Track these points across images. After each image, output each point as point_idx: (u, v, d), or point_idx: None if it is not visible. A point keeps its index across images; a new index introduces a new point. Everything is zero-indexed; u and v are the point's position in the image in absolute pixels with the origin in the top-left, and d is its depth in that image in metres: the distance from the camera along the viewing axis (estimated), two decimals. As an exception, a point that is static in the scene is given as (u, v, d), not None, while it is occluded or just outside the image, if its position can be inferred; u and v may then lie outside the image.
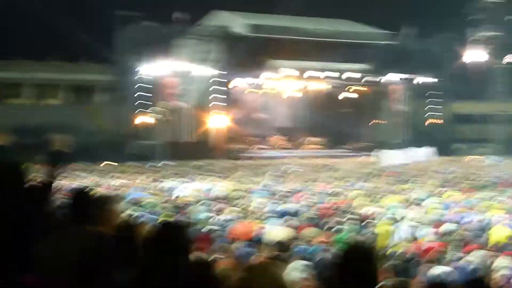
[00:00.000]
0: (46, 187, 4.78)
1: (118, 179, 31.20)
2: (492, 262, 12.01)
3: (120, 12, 50.24)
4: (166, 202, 21.76)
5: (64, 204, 4.57)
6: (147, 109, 51.32)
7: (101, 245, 3.58)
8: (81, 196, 4.34)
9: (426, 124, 65.57)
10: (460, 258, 12.87)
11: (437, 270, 11.29)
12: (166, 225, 3.81)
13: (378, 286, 3.07)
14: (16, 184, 4.43)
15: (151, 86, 51.47)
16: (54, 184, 4.89)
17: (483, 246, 13.87)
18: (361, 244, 3.22)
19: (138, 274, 3.18)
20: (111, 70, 54.54)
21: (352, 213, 19.12)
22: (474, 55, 56.00)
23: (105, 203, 4.28)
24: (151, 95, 51.54)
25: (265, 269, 3.09)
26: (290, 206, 21.49)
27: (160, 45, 51.35)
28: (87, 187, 5.51)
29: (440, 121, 66.05)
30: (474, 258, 12.28)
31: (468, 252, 13.24)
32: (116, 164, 43.01)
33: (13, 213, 4.24)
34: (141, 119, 51.11)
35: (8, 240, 4.07)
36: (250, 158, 51.19)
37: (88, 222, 4.06)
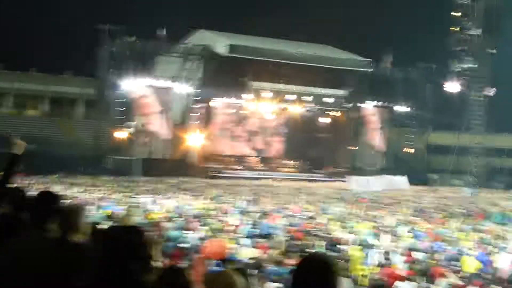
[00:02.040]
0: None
1: (93, 193, 32.55)
2: None
3: (103, 26, 51.48)
4: (139, 217, 22.64)
5: (27, 208, 4.39)
6: (126, 124, 52.61)
7: (61, 251, 3.58)
8: (45, 201, 4.24)
9: (401, 153, 67.67)
10: (428, 286, 14.23)
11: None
12: (115, 229, 3.66)
13: None
14: None
15: (131, 102, 52.94)
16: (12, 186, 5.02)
17: (451, 276, 15.03)
18: (317, 256, 3.23)
19: (93, 279, 3.00)
20: (93, 84, 56.28)
21: (324, 237, 20.04)
22: (452, 86, 57.04)
23: (71, 212, 4.08)
24: (130, 110, 52.92)
25: (224, 277, 3.15)
26: (263, 227, 22.39)
27: (142, 61, 53.46)
28: (52, 192, 5.27)
29: (415, 150, 68.24)
30: (441, 285, 13.75)
31: (436, 280, 14.48)
32: (92, 177, 43.63)
33: None
34: (119, 134, 52.06)
35: None
36: (226, 177, 52.65)
37: (50, 229, 3.97)
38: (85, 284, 2.96)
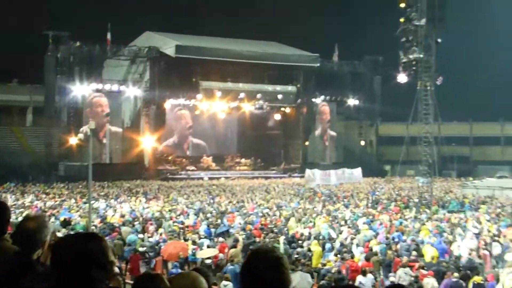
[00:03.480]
0: None
1: (47, 201, 33.33)
2: (418, 280, 14.56)
3: (48, 32, 51.73)
4: (98, 223, 24.01)
5: None
6: (77, 130, 51.60)
7: (16, 261, 3.46)
8: None
9: (352, 145, 69.60)
10: (387, 276, 15.35)
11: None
12: (72, 237, 3.23)
13: None
14: None
15: (80, 107, 53.40)
16: None
17: (410, 265, 16.06)
18: (263, 250, 2.92)
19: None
20: (41, 91, 56.18)
21: (282, 233, 21.65)
22: (402, 77, 56.40)
23: (32, 223, 3.75)
24: (80, 115, 53.17)
25: (188, 278, 3.19)
26: (223, 224, 24.16)
27: (89, 65, 53.93)
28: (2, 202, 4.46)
29: (366, 142, 70.45)
30: (402, 276, 14.82)
31: (396, 270, 15.60)
32: (44, 185, 44.24)
33: None
34: (71, 140, 51.38)
35: None
36: (181, 179, 53.76)
37: (4, 238, 3.75)
38: None
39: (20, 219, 5.34)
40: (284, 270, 2.61)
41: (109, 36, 54.54)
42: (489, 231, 22.79)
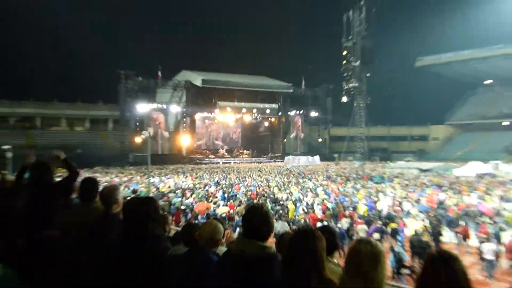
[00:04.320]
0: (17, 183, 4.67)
1: (122, 177, 33.70)
2: (355, 226, 14.31)
3: (120, 71, 53.47)
4: (154, 191, 23.68)
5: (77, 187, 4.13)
6: (140, 133, 51.43)
7: (100, 218, 3.48)
8: (88, 182, 3.97)
9: (314, 142, 70.81)
10: (336, 223, 14.95)
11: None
12: (135, 199, 3.23)
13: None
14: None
15: (142, 118, 54.65)
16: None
17: (350, 215, 15.98)
18: (256, 204, 2.89)
19: (125, 236, 2.89)
20: (117, 108, 57.98)
21: (270, 197, 21.36)
22: (344, 98, 56.91)
23: (108, 189, 3.71)
24: (142, 123, 54.29)
25: (210, 224, 3.16)
26: (232, 192, 23.85)
27: (147, 92, 54.94)
28: (93, 177, 4.45)
29: (322, 140, 72.10)
30: (344, 223, 14.41)
31: (341, 219, 15.30)
32: (120, 168, 45.25)
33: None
34: (137, 139, 51.72)
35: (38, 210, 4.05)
36: (205, 163, 54.54)
37: (93, 202, 3.81)
38: (119, 238, 2.87)
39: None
40: (270, 220, 2.71)
41: (159, 73, 55.76)
42: (400, 195, 23.06)
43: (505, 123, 66.79)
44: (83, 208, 3.79)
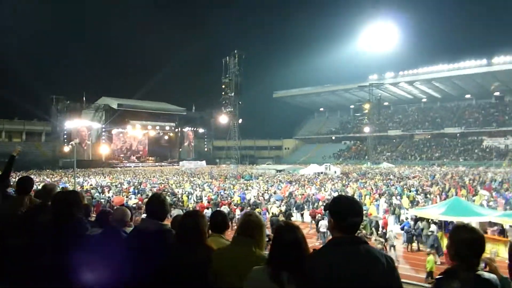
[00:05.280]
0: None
1: (53, 178, 34.63)
2: (233, 211, 15.61)
3: (52, 96, 59.97)
4: (79, 188, 24.39)
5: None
6: (68, 144, 58.36)
7: (37, 206, 3.46)
8: (26, 179, 3.94)
9: (202, 150, 79.03)
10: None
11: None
12: (63, 191, 3.41)
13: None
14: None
15: (69, 132, 60.56)
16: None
17: (228, 204, 17.27)
18: (156, 194, 2.95)
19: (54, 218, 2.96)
20: (50, 124, 63.68)
21: (169, 191, 22.99)
22: (223, 119, 64.46)
23: (51, 185, 3.84)
24: (70, 136, 59.45)
25: (120, 208, 3.26)
26: (141, 188, 25.26)
27: (75, 112, 60.43)
28: (28, 175, 4.70)
29: (209, 149, 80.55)
30: (224, 209, 14.80)
31: (221, 207, 16.35)
32: (52, 171, 48.25)
33: None
34: (66, 149, 58.57)
35: None
36: (120, 166, 60.64)
37: (27, 195, 3.81)
38: (51, 221, 2.91)
39: (39, 187, 4.82)
40: (165, 205, 2.86)
41: (84, 98, 62.97)
42: (263, 188, 24.03)
43: (333, 137, 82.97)
44: (19, 199, 3.83)
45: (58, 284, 2.86)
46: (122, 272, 2.70)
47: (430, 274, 10.14)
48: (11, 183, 4.70)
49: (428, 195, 22.35)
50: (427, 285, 9.32)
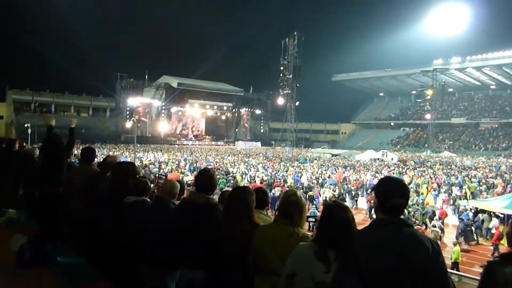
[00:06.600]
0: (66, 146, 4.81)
1: (115, 152, 35.23)
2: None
3: (117, 74, 61.55)
4: (138, 163, 23.98)
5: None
6: (130, 120, 56.68)
7: (96, 174, 3.81)
8: (89, 149, 4.31)
9: (258, 131, 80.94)
10: (270, 190, 15.86)
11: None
12: (123, 163, 3.75)
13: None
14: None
15: (132, 109, 62.17)
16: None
17: (282, 186, 17.35)
18: (205, 169, 3.05)
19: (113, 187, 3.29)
20: (114, 101, 65.97)
21: (224, 170, 23.06)
22: (281, 101, 59.99)
23: (113, 157, 4.23)
24: (132, 113, 60.51)
25: (170, 181, 3.40)
26: (197, 166, 25.06)
27: (137, 90, 63.15)
28: (92, 146, 5.20)
29: (263, 130, 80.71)
30: (277, 191, 15.71)
31: (274, 187, 16.94)
32: (113, 145, 49.89)
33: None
34: (128, 125, 58.83)
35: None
36: (178, 144, 60.91)
37: (91, 164, 4.20)
38: (108, 189, 3.22)
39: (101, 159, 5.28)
40: (214, 179, 2.96)
41: (146, 76, 64.23)
42: (317, 172, 23.95)
43: (392, 123, 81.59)
44: (82, 168, 4.19)
45: (113, 249, 3.07)
46: (169, 241, 2.86)
47: (455, 264, 10.18)
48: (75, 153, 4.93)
49: (491, 187, 21.43)
50: (455, 272, 9.32)
